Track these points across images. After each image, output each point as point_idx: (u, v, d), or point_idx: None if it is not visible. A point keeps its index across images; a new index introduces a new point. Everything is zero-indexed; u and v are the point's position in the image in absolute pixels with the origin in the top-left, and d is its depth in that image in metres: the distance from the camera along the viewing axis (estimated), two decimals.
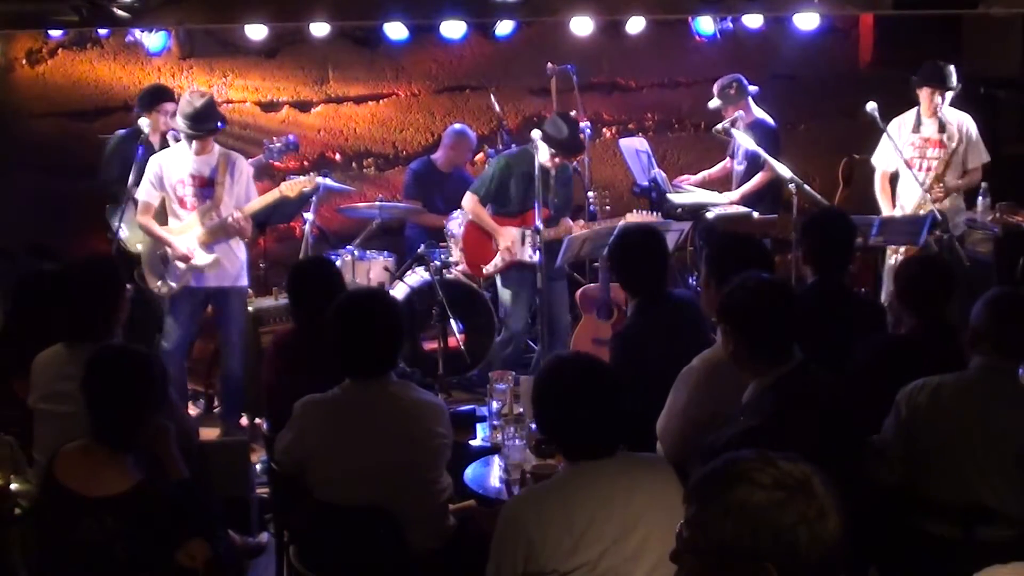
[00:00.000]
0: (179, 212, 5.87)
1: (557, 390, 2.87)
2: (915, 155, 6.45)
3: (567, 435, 2.86)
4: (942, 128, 6.44)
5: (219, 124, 5.92)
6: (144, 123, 6.20)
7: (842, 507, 1.73)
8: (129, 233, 6.24)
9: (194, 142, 5.80)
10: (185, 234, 5.85)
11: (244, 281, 6.07)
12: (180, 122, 5.80)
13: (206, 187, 5.85)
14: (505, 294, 6.49)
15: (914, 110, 6.49)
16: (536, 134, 6.16)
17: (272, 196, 6.03)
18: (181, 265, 5.84)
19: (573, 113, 7.09)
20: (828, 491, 1.74)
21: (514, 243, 6.32)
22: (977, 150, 6.50)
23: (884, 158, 6.62)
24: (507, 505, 2.84)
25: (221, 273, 5.92)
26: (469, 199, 6.42)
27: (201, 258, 5.83)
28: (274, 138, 6.78)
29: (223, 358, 6.05)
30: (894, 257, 6.45)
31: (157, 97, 6.41)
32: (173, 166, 5.85)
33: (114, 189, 6.32)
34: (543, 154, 6.14)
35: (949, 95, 6.44)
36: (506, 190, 6.34)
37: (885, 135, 6.44)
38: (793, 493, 1.72)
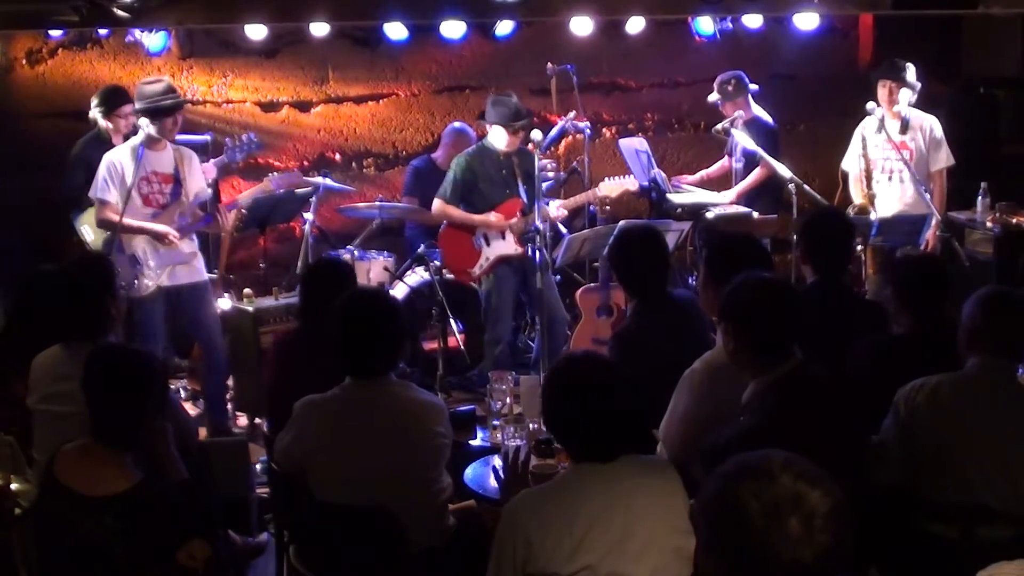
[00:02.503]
0: (140, 210, 5.71)
1: (567, 390, 2.85)
2: (880, 157, 6.40)
3: (574, 435, 2.84)
4: (904, 129, 6.38)
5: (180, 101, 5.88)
6: (105, 126, 6.23)
7: (833, 539, 1.69)
8: (93, 236, 6.16)
9: (152, 130, 5.65)
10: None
11: (207, 275, 6.02)
12: (143, 104, 5.69)
13: (175, 184, 5.77)
14: (491, 293, 6.44)
15: (879, 113, 6.42)
16: (496, 131, 6.18)
17: (256, 191, 6.02)
18: (154, 265, 5.72)
19: (573, 113, 7.11)
20: (824, 520, 1.69)
21: (502, 223, 6.27)
22: (940, 153, 6.39)
23: (851, 162, 6.61)
24: (509, 505, 2.83)
25: (192, 269, 5.86)
26: (438, 205, 6.37)
27: (181, 250, 5.77)
28: (242, 135, 6.69)
29: (209, 355, 5.97)
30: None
31: (116, 100, 6.36)
32: (130, 163, 5.67)
33: (79, 195, 6.30)
34: (500, 140, 6.14)
35: (909, 94, 6.37)
36: (474, 189, 6.31)
37: (855, 137, 6.45)
38: (781, 508, 1.71)
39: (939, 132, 6.41)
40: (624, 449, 2.83)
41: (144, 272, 5.74)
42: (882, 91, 6.41)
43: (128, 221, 5.68)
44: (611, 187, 6.31)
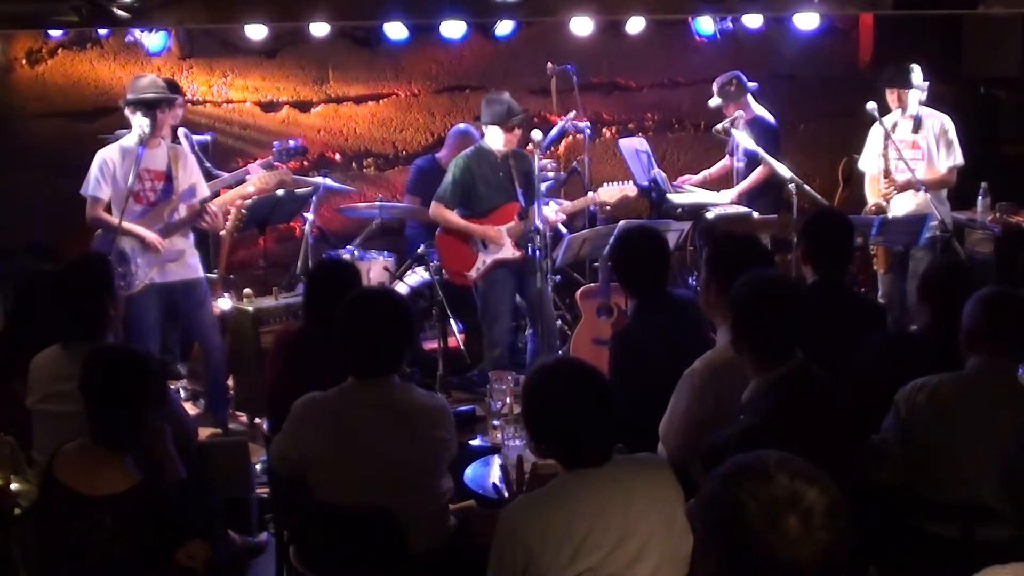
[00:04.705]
0: (131, 207, 5.64)
1: (545, 399, 2.83)
2: (894, 156, 6.40)
3: (560, 443, 2.82)
4: (916, 128, 6.40)
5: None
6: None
7: (832, 537, 1.69)
8: None
9: (148, 132, 5.61)
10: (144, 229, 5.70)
11: (202, 272, 5.96)
12: (137, 96, 5.67)
13: (166, 182, 5.73)
14: (487, 296, 6.38)
15: (894, 113, 6.46)
16: (492, 131, 6.12)
17: (243, 189, 5.98)
18: (142, 262, 5.67)
19: (573, 113, 7.12)
20: (823, 518, 1.69)
21: (500, 236, 6.26)
22: (949, 152, 6.38)
23: (868, 161, 6.62)
24: (504, 513, 2.79)
25: (184, 267, 5.81)
26: (435, 207, 6.31)
27: (169, 250, 5.71)
28: (288, 140, 6.70)
29: (205, 352, 5.95)
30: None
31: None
32: (123, 160, 5.64)
33: None
34: (496, 140, 6.12)
35: (919, 94, 6.39)
36: (473, 192, 6.24)
37: (871, 137, 6.46)
38: (779, 507, 1.71)
39: (951, 131, 6.40)
40: (612, 451, 2.81)
41: (132, 269, 5.69)
42: (891, 97, 6.44)
43: (112, 221, 5.63)
44: (610, 192, 6.30)
